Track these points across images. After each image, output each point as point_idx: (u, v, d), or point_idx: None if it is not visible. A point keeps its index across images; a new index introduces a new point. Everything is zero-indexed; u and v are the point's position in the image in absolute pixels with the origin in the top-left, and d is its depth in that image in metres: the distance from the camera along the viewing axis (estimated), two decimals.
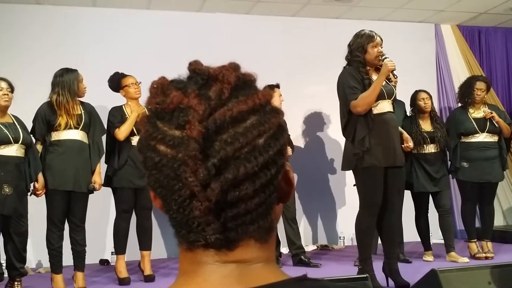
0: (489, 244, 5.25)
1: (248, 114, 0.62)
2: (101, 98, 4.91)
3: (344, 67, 3.95)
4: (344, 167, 4.03)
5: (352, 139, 3.79)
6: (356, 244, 5.91)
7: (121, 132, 4.38)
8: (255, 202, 0.63)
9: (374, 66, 3.86)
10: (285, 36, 6.46)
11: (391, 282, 3.91)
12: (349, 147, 3.86)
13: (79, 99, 4.25)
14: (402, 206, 4.00)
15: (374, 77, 3.81)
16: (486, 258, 5.06)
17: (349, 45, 3.93)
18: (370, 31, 3.89)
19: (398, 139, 3.91)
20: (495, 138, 5.20)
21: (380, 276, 3.86)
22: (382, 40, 3.87)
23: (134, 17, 6.04)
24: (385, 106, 3.82)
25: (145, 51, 5.86)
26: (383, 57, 3.78)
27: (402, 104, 5.27)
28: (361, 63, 3.81)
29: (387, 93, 3.80)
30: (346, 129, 3.86)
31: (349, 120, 3.80)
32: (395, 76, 3.81)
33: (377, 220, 3.92)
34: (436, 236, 5.83)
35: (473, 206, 5.33)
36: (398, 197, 3.96)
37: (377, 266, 3.92)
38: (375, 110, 3.77)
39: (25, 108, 4.45)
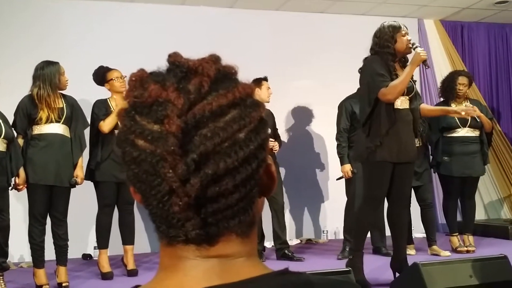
0: (470, 237, 5.31)
1: (228, 108, 0.62)
2: (85, 92, 4.87)
3: (368, 57, 3.85)
4: (356, 159, 4.00)
5: (368, 132, 3.73)
6: (339, 238, 5.96)
7: (106, 125, 4.35)
8: (236, 197, 0.62)
9: (403, 56, 3.81)
10: (269, 30, 6.44)
11: (375, 279, 3.92)
12: (362, 139, 3.80)
13: (61, 92, 4.21)
14: (410, 201, 3.98)
15: (400, 73, 3.74)
16: (468, 251, 5.11)
17: (376, 36, 3.82)
18: (394, 21, 3.84)
19: (411, 135, 3.83)
20: (476, 133, 5.25)
21: (368, 270, 3.88)
22: (407, 29, 3.82)
23: (117, 10, 5.99)
24: (403, 102, 3.77)
25: (128, 44, 5.81)
26: (414, 46, 3.72)
27: None
28: (390, 55, 3.74)
29: (407, 89, 3.74)
30: (366, 121, 3.75)
31: (373, 111, 3.70)
32: (427, 67, 3.73)
33: (388, 216, 3.92)
34: (418, 230, 5.89)
35: (455, 200, 5.38)
36: (405, 192, 3.90)
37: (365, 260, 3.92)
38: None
39: (8, 103, 4.39)
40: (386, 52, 3.74)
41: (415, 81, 3.92)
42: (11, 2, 5.67)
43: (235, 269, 0.63)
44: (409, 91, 3.79)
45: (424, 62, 3.68)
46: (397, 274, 3.85)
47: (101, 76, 4.57)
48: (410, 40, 3.77)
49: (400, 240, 3.89)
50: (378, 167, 3.73)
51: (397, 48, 3.75)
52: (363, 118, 3.78)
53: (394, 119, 3.69)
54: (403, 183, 3.84)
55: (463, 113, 4.04)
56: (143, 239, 5.60)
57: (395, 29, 3.76)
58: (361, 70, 3.87)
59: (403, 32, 3.76)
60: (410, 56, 3.78)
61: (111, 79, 4.52)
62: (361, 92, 3.89)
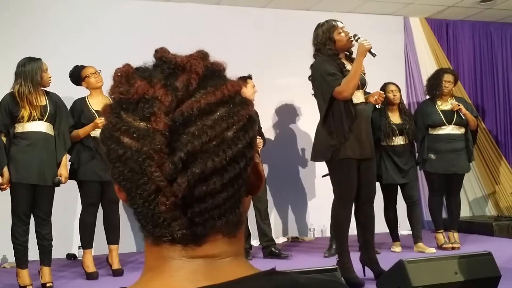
0: (456, 234, 5.34)
1: (216, 106, 0.61)
2: (72, 90, 4.82)
3: (316, 57, 3.86)
4: (317, 158, 3.97)
5: (330, 129, 3.73)
6: (326, 236, 5.98)
7: (74, 138, 4.34)
8: (223, 196, 0.61)
9: (346, 50, 3.83)
10: (256, 27, 6.43)
11: (368, 273, 3.94)
12: (323, 138, 3.78)
13: (45, 89, 4.15)
14: (374, 196, 4.01)
15: (349, 67, 3.76)
16: (453, 248, 5.14)
17: (315, 43, 3.84)
18: (326, 21, 3.85)
19: (370, 130, 3.91)
20: (461, 130, 5.28)
21: (357, 267, 3.90)
22: (342, 23, 3.82)
23: (103, 7, 5.94)
24: (358, 96, 3.80)
25: (114, 41, 5.77)
26: (357, 38, 3.72)
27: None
28: (334, 55, 3.76)
29: (360, 83, 3.76)
30: (326, 119, 3.76)
31: (329, 110, 3.71)
32: (374, 55, 3.68)
33: (354, 212, 3.94)
34: (404, 227, 5.91)
35: (440, 197, 5.42)
36: (372, 188, 3.96)
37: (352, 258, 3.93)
38: None
39: None
40: (330, 54, 3.76)
41: (364, 73, 3.93)
42: None
43: (221, 270, 0.62)
44: (362, 84, 3.83)
45: (370, 51, 3.66)
46: (366, 268, 3.94)
47: (77, 75, 4.55)
48: (348, 33, 3.78)
49: (368, 235, 3.94)
50: (343, 165, 3.74)
51: (338, 47, 3.78)
52: (322, 117, 3.77)
53: (354, 115, 3.71)
54: (368, 179, 3.88)
55: (374, 98, 4.02)
56: (128, 238, 5.56)
57: (331, 28, 3.78)
58: (311, 75, 3.86)
59: (339, 29, 3.77)
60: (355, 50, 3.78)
61: (86, 76, 4.49)
62: (315, 95, 3.87)
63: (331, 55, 3.75)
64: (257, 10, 6.48)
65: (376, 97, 3.99)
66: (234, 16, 6.36)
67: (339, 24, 3.79)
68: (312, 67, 3.85)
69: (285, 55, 6.40)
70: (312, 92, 3.96)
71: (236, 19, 6.36)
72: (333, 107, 3.72)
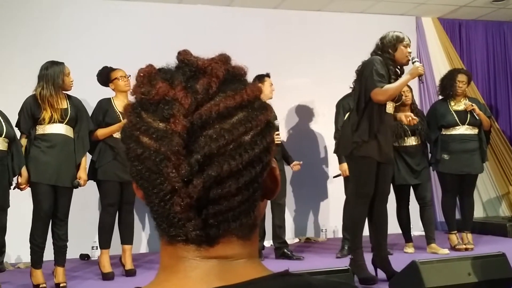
0: (469, 235, 5.31)
1: (235, 110, 0.61)
2: (85, 92, 4.86)
3: (373, 54, 3.95)
4: (338, 151, 4.07)
5: (356, 127, 3.81)
6: (338, 237, 5.96)
7: (99, 136, 4.41)
8: (238, 199, 0.62)
9: (400, 66, 3.94)
10: (267, 29, 6.44)
11: (380, 274, 3.94)
12: (348, 133, 3.88)
13: (66, 92, 4.20)
14: (387, 198, 4.08)
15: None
16: (466, 249, 5.11)
17: (381, 40, 3.95)
18: (400, 32, 3.98)
19: (392, 139, 4.04)
20: (475, 131, 5.25)
21: (370, 267, 3.91)
22: (410, 42, 3.98)
23: (115, 9, 5.97)
24: (389, 107, 3.91)
25: (126, 43, 5.79)
26: (414, 60, 3.90)
27: None
28: (390, 60, 3.88)
29: (397, 96, 3.89)
30: (362, 115, 3.83)
31: (366, 106, 3.79)
32: (422, 82, 3.95)
33: (369, 213, 3.96)
34: (417, 228, 5.89)
35: (453, 198, 5.39)
36: (387, 189, 4.04)
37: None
38: None
39: (9, 101, 4.37)
40: (387, 57, 3.88)
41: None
42: (8, 1, 5.64)
43: (235, 271, 0.63)
44: (398, 99, 3.97)
45: (420, 76, 3.88)
46: (378, 270, 3.95)
47: (105, 76, 4.58)
48: (410, 53, 3.93)
49: (381, 236, 3.99)
50: (362, 162, 3.84)
51: (396, 56, 3.90)
52: (360, 111, 3.82)
53: (383, 120, 3.83)
54: (385, 181, 3.97)
55: (408, 118, 4.09)
56: (141, 239, 5.58)
57: (398, 38, 3.93)
58: (361, 67, 3.94)
59: (405, 43, 3.92)
60: (406, 69, 3.96)
61: (116, 78, 4.54)
62: (357, 86, 3.96)
63: (388, 58, 3.87)
64: (268, 11, 6.49)
65: (410, 118, 4.07)
66: (245, 17, 6.36)
67: (407, 40, 3.94)
68: (365, 61, 3.93)
69: (295, 56, 6.40)
70: (351, 85, 4.09)
71: (247, 20, 6.36)
72: (369, 107, 3.80)
